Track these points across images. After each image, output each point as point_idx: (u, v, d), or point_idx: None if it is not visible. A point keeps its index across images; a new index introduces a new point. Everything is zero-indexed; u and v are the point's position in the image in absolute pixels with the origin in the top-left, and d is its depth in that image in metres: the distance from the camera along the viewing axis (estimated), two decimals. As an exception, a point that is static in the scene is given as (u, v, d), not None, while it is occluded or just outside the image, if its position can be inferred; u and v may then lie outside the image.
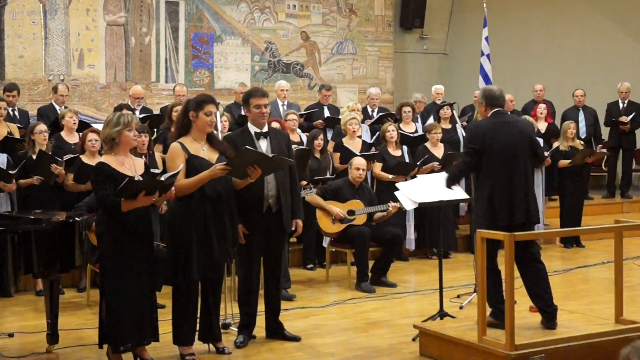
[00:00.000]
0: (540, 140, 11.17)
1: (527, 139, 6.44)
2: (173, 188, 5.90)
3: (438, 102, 12.68)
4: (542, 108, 12.37)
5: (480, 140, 6.29)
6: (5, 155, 8.76)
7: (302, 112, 11.63)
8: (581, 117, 13.68)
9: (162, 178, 5.70)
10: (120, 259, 5.71)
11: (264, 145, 6.43)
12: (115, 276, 5.72)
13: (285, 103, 12.01)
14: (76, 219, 6.11)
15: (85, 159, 8.42)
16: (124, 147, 5.85)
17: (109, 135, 5.81)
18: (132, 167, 5.85)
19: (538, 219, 6.55)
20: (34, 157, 8.51)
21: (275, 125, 9.01)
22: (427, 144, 10.57)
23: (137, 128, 8.35)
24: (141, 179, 5.73)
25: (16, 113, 10.69)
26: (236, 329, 6.60)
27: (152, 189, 5.67)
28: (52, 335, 6.30)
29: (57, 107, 10.74)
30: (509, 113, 6.75)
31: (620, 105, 13.82)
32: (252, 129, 6.49)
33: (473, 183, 6.77)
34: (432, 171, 9.69)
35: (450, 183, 6.88)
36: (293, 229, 6.66)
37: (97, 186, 5.73)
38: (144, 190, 5.61)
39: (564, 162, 11.06)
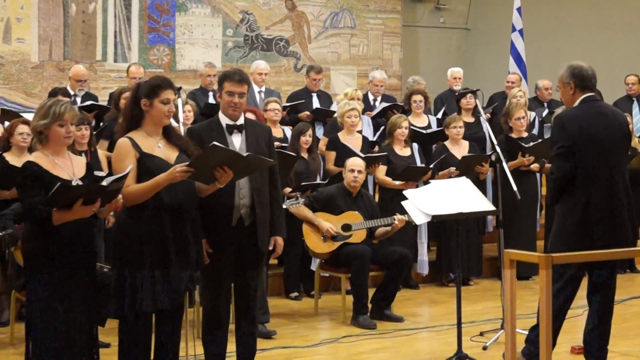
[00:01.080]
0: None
1: (625, 134, 6.41)
2: (120, 196, 5.87)
3: (456, 88, 12.66)
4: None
5: (573, 135, 6.20)
6: None
7: (286, 104, 11.58)
8: (636, 109, 13.71)
9: (105, 182, 5.64)
10: (52, 284, 5.65)
11: (237, 142, 6.41)
12: (45, 307, 5.65)
13: (263, 89, 12.01)
14: (-2, 233, 6.09)
15: (11, 157, 8.37)
16: (55, 144, 5.81)
17: (36, 127, 5.77)
18: (70, 168, 5.81)
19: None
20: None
21: (250, 116, 9.00)
22: (447, 142, 10.58)
23: (75, 120, 8.32)
24: (80, 183, 5.68)
25: None
26: (199, 374, 6.58)
27: (92, 197, 5.62)
28: (-34, 381, 6.27)
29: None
30: (599, 99, 6.62)
31: None
32: (224, 120, 6.47)
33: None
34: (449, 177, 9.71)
35: (551, 201, 6.65)
36: (271, 248, 6.62)
37: (24, 192, 5.67)
38: (81, 197, 5.56)
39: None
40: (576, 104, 6.39)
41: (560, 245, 6.11)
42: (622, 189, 6.30)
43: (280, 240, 6.66)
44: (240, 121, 6.49)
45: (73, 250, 5.69)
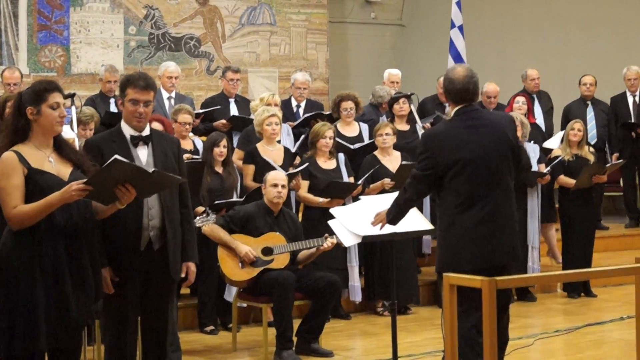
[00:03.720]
0: (536, 148, 11.28)
1: (505, 146, 6.48)
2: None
3: (393, 92, 12.74)
4: (520, 102, 12.29)
5: (437, 155, 6.33)
6: None
7: (198, 111, 11.55)
8: (590, 114, 13.91)
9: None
10: None
11: (143, 155, 6.40)
12: None
13: (174, 95, 11.99)
14: None
15: None
16: None
17: None
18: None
19: (520, 257, 6.64)
20: None
21: (156, 126, 8.99)
22: (377, 152, 10.62)
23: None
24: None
25: None
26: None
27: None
28: None
29: None
30: (479, 109, 6.70)
31: (629, 99, 14.07)
32: (127, 131, 6.45)
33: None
34: (382, 191, 9.76)
35: (392, 218, 6.79)
36: (183, 275, 6.62)
37: None
38: None
39: (565, 181, 11.20)
40: (452, 114, 6.53)
41: (442, 268, 6.22)
42: (500, 209, 6.42)
43: (193, 267, 6.66)
44: (146, 132, 6.48)
45: None
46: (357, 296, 10.50)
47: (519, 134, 7.95)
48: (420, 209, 8.68)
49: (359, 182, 10.19)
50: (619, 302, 10.86)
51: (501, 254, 6.39)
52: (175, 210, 6.49)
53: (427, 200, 10.86)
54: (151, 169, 5.99)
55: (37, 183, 5.86)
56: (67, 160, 6.06)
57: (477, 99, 6.62)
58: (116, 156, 5.84)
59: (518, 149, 6.60)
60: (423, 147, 6.47)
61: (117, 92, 9.89)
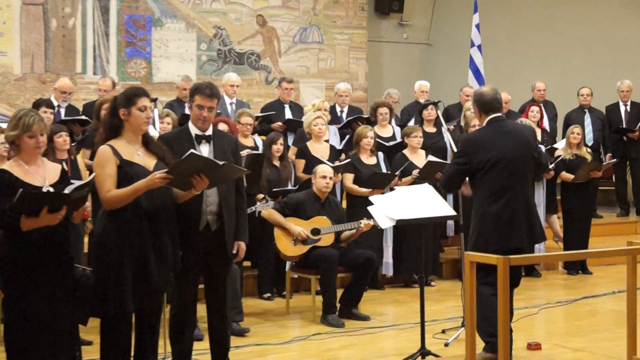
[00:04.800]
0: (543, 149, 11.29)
1: (529, 150, 6.57)
2: (88, 203, 5.86)
3: (422, 100, 12.73)
4: (534, 111, 12.29)
5: (473, 156, 6.47)
6: None
7: (258, 115, 11.60)
8: (587, 120, 13.85)
9: (67, 190, 5.59)
10: (27, 286, 5.60)
11: (205, 151, 6.39)
12: (21, 308, 5.62)
13: (234, 101, 12.03)
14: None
15: (-7, 165, 8.35)
16: (26, 154, 5.78)
17: (8, 138, 5.75)
18: (42, 175, 5.76)
19: (544, 237, 6.71)
20: None
21: (222, 127, 9.04)
22: (407, 151, 10.62)
23: (54, 128, 8.31)
24: (51, 189, 5.65)
25: None
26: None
27: (56, 204, 5.59)
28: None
29: (-38, 103, 10.67)
30: (506, 119, 6.86)
31: (622, 108, 14.01)
32: (193, 130, 6.47)
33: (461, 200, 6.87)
34: (413, 183, 9.75)
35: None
36: (235, 251, 6.63)
37: (-5, 199, 5.66)
38: (46, 205, 5.52)
39: (566, 176, 11.20)
40: (484, 124, 6.67)
41: (470, 249, 6.30)
42: (522, 201, 6.53)
43: (243, 245, 6.65)
44: (209, 132, 6.50)
45: (45, 254, 5.65)
46: (389, 270, 10.51)
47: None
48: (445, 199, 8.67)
49: (396, 173, 10.18)
50: (611, 278, 10.79)
51: (521, 238, 6.45)
52: (231, 197, 6.49)
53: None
54: (221, 162, 6.02)
55: (127, 172, 5.90)
56: (152, 154, 6.10)
57: (502, 111, 6.71)
58: (192, 150, 5.88)
59: (538, 153, 6.77)
60: (462, 147, 6.68)
61: (190, 98, 9.90)
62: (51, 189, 5.62)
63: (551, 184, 11.73)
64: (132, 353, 6.14)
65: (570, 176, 11.16)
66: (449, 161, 10.64)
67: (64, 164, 7.08)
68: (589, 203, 11.72)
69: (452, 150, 10.26)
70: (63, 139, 8.46)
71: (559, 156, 11.36)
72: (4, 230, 5.62)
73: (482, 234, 6.39)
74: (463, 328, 7.54)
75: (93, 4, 14.49)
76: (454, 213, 7.50)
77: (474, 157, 6.45)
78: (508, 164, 6.44)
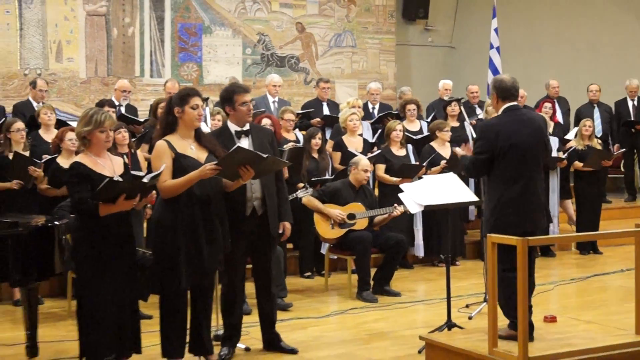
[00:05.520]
0: (556, 140, 11.22)
1: (542, 137, 6.41)
2: (154, 192, 5.90)
3: (446, 98, 12.67)
4: (547, 107, 12.20)
5: (493, 142, 6.18)
6: (-23, 154, 8.79)
7: (299, 112, 11.60)
8: (596, 114, 13.73)
9: (146, 179, 5.67)
10: (98, 266, 5.68)
11: (245, 144, 6.39)
12: (92, 285, 5.69)
13: (277, 99, 12.01)
14: (55, 222, 6.10)
15: (61, 159, 8.41)
16: (97, 147, 5.83)
17: (80, 133, 5.80)
18: (110, 166, 5.83)
19: (550, 219, 6.56)
20: (10, 156, 8.52)
21: (266, 121, 9.05)
22: (434, 143, 10.56)
23: (114, 126, 8.37)
24: (120, 179, 5.70)
25: (-10, 110, 10.71)
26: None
27: (133, 192, 5.65)
28: (32, 348, 6.30)
29: (35, 104, 10.72)
30: (522, 108, 6.62)
31: (630, 103, 13.88)
32: (232, 127, 6.49)
33: (483, 186, 6.74)
34: (442, 172, 9.69)
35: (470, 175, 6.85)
36: (280, 231, 6.65)
37: (72, 188, 5.70)
38: (124, 192, 5.59)
39: (578, 165, 11.14)
40: (500, 112, 6.37)
41: (488, 231, 6.09)
42: (538, 185, 6.31)
43: (288, 225, 6.69)
44: (247, 127, 6.51)
45: (113, 237, 5.73)
46: (420, 252, 10.46)
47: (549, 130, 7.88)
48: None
49: (423, 164, 10.13)
50: (620, 258, 10.67)
51: (539, 221, 6.28)
52: (272, 185, 6.52)
53: (471, 179, 10.80)
54: (266, 155, 6.02)
55: (181, 164, 5.93)
56: (203, 148, 6.13)
57: (518, 98, 6.50)
58: (239, 144, 5.91)
59: (548, 140, 6.54)
60: (480, 135, 6.35)
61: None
62: (120, 179, 5.66)
63: (565, 172, 11.64)
64: (188, 326, 6.18)
65: (582, 164, 11.10)
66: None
67: (125, 157, 7.11)
68: (599, 189, 11.64)
69: (474, 142, 10.22)
70: (122, 135, 8.51)
71: (572, 147, 11.30)
72: (81, 216, 5.68)
73: (502, 217, 6.15)
74: (485, 303, 7.52)
75: (150, 14, 14.53)
76: (476, 199, 7.45)
77: (493, 144, 6.21)
78: (524, 150, 6.17)
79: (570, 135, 11.81)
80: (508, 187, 6.16)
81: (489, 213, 6.28)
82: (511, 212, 6.13)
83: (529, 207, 6.19)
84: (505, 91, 6.32)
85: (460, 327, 6.86)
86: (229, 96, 6.46)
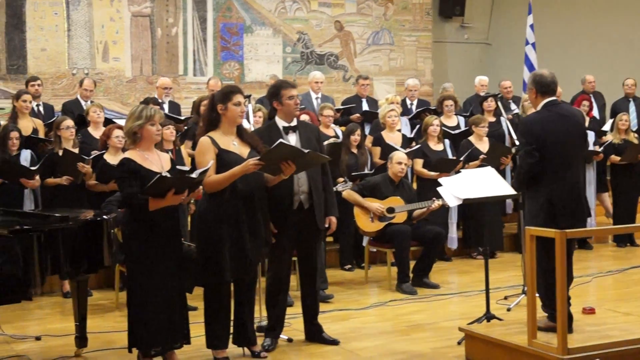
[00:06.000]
0: (592, 134, 11.13)
1: (583, 131, 6.33)
2: (201, 187, 5.91)
3: (482, 94, 12.59)
4: (585, 105, 12.09)
5: (537, 137, 6.07)
6: (29, 151, 8.87)
7: (340, 107, 11.59)
8: (632, 108, 13.51)
9: (194, 175, 5.69)
10: (147, 259, 5.72)
11: (292, 140, 6.40)
12: (142, 277, 5.73)
13: (320, 96, 11.99)
14: (104, 217, 6.13)
15: (108, 156, 8.47)
16: (147, 142, 5.85)
17: (131, 129, 5.82)
18: (158, 162, 5.86)
19: (589, 213, 6.44)
20: (60, 153, 8.58)
21: (304, 117, 9.04)
22: (472, 138, 10.50)
23: (161, 122, 8.40)
24: (168, 175, 5.72)
25: (41, 108, 10.78)
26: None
27: (182, 187, 5.68)
28: (81, 339, 6.36)
29: (83, 102, 10.80)
30: (561, 102, 6.51)
31: None
32: (280, 123, 6.48)
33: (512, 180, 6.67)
34: (480, 166, 9.62)
35: (517, 187, 6.73)
36: (327, 225, 6.63)
37: (122, 183, 5.74)
38: (173, 188, 5.62)
39: (615, 158, 11.06)
40: (539, 107, 6.26)
41: (531, 224, 5.99)
42: (580, 178, 6.24)
43: (334, 219, 6.66)
44: (294, 123, 6.50)
45: (161, 231, 5.75)
46: (454, 244, 10.42)
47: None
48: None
49: (461, 158, 10.07)
50: (657, 250, 10.60)
51: (584, 213, 6.19)
52: (318, 178, 6.48)
53: (508, 173, 10.72)
54: (306, 150, 6.01)
55: (224, 160, 5.94)
56: (246, 143, 6.13)
57: (557, 94, 6.39)
58: (281, 140, 5.89)
59: (586, 134, 6.44)
60: (526, 129, 6.24)
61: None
62: (168, 175, 5.68)
63: (601, 166, 11.53)
64: (232, 317, 6.18)
65: (619, 158, 10.98)
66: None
67: (170, 154, 7.14)
68: (636, 182, 11.44)
69: (511, 137, 10.16)
70: (170, 131, 8.54)
71: (609, 141, 11.19)
72: (131, 210, 5.70)
73: (550, 210, 6.03)
74: (524, 295, 7.45)
75: (192, 15, 14.57)
76: (513, 193, 7.37)
77: (539, 137, 6.07)
78: (567, 144, 6.07)
79: (606, 127, 11.67)
80: (555, 183, 6.06)
81: (534, 207, 6.16)
82: (558, 206, 6.04)
83: (575, 201, 6.10)
84: (545, 86, 6.22)
85: (499, 319, 6.79)
86: (276, 91, 6.47)
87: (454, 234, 10.41)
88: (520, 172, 6.28)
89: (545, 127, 6.09)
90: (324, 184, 6.55)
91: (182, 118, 10.45)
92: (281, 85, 6.52)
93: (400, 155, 9.07)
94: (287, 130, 6.44)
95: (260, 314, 6.82)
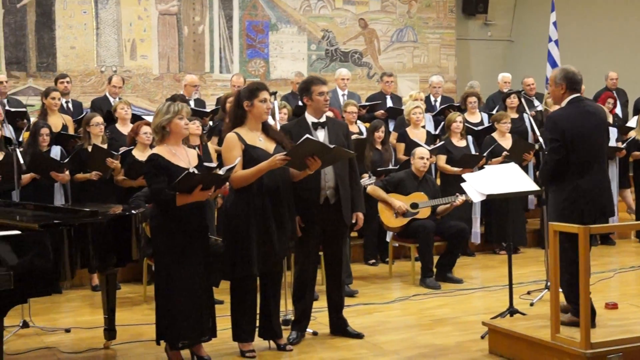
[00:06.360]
0: (614, 131, 11.05)
1: (606, 129, 6.29)
2: (227, 183, 5.92)
3: (505, 91, 12.53)
4: (610, 103, 12.03)
5: (564, 132, 6.03)
6: (59, 147, 8.93)
7: (364, 104, 11.59)
8: (655, 105, 13.46)
9: (221, 172, 5.70)
10: (174, 253, 5.73)
11: (321, 136, 6.40)
12: (169, 271, 5.75)
13: (346, 92, 11.98)
14: (132, 211, 6.16)
15: (136, 152, 8.51)
16: (175, 136, 5.86)
17: (159, 124, 5.83)
18: (186, 158, 5.87)
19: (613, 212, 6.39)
20: (89, 149, 8.63)
21: (328, 114, 9.02)
22: (495, 134, 10.47)
23: (189, 115, 8.44)
24: (196, 171, 5.73)
25: (70, 105, 10.86)
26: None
27: (209, 183, 5.69)
28: (110, 331, 6.40)
29: (111, 99, 10.86)
30: (585, 98, 6.45)
31: None
32: (310, 118, 6.48)
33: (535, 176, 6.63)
34: (503, 162, 9.59)
35: (542, 183, 6.67)
36: (354, 221, 6.62)
37: (151, 179, 5.76)
38: (201, 184, 5.63)
39: (637, 155, 10.98)
40: (564, 102, 6.21)
41: (555, 219, 5.96)
42: (605, 173, 6.20)
43: (361, 215, 6.65)
44: (323, 119, 6.50)
45: (188, 225, 5.76)
46: (477, 239, 10.40)
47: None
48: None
49: (484, 154, 10.04)
50: (679, 246, 10.52)
51: (611, 208, 6.15)
52: (345, 174, 6.47)
53: (531, 168, 10.67)
54: (332, 145, 6.01)
55: (251, 155, 5.95)
56: (271, 139, 6.13)
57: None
58: (307, 136, 5.88)
59: (608, 130, 6.40)
60: (553, 125, 6.15)
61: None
62: (195, 171, 5.69)
63: (624, 162, 11.44)
64: (258, 310, 6.19)
65: (641, 154, 10.96)
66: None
67: (197, 149, 7.14)
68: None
69: (533, 133, 10.11)
70: (197, 126, 8.56)
71: (632, 137, 11.11)
72: (159, 205, 5.73)
73: (575, 205, 5.99)
74: (547, 290, 7.41)
75: (219, 13, 14.62)
76: (537, 188, 7.33)
77: (566, 133, 6.01)
78: (592, 140, 6.04)
79: (631, 123, 11.59)
80: (580, 178, 6.02)
81: (559, 203, 6.12)
82: (583, 201, 6.00)
83: (599, 196, 6.06)
84: (575, 83, 6.20)
85: (522, 314, 6.76)
86: (307, 87, 6.48)
87: (477, 229, 10.40)
88: (545, 168, 6.24)
89: (571, 123, 6.06)
90: (351, 180, 6.55)
91: (208, 111, 10.48)
92: (312, 81, 6.52)
93: (422, 150, 9.05)
94: (315, 125, 6.45)
95: (286, 308, 6.83)
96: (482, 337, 6.40)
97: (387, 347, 6.37)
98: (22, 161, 7.55)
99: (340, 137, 6.47)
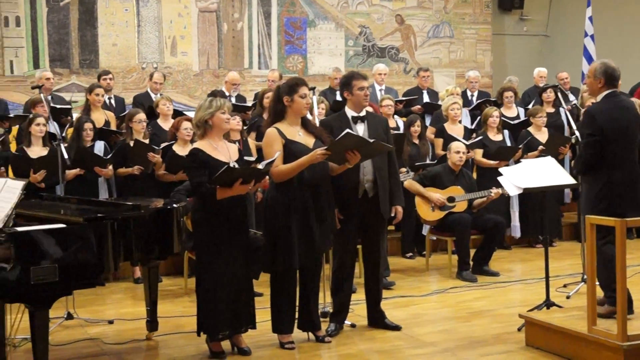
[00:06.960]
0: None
1: (639, 123, 6.22)
2: (267, 177, 5.93)
3: (541, 85, 12.43)
4: None
5: (600, 127, 5.99)
6: (102, 142, 9.00)
7: (401, 99, 11.56)
8: (691, 99, 13.26)
9: (260, 166, 5.72)
10: (215, 246, 5.76)
11: (360, 130, 6.40)
12: (210, 264, 5.78)
13: (383, 87, 11.95)
14: (174, 205, 6.19)
15: (177, 147, 8.55)
16: (217, 130, 5.89)
17: (202, 118, 5.86)
18: (226, 152, 5.90)
19: None
20: (131, 144, 8.69)
21: (368, 109, 9.00)
22: (531, 129, 10.39)
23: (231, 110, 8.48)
24: (236, 165, 5.75)
25: (112, 101, 10.95)
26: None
27: (249, 177, 5.70)
28: (152, 323, 6.44)
29: (153, 95, 10.94)
30: (620, 94, 6.39)
31: None
32: (350, 113, 6.48)
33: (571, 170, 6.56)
34: (539, 156, 9.51)
35: (575, 174, 6.63)
36: (392, 215, 6.60)
37: (192, 173, 5.80)
38: (241, 178, 5.64)
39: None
40: (600, 96, 6.17)
41: (589, 212, 5.90)
42: (637, 166, 6.12)
43: (400, 208, 6.63)
44: (363, 113, 6.49)
45: (229, 219, 5.78)
46: (517, 233, 10.33)
47: None
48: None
49: (519, 146, 9.98)
50: None
51: None
52: (384, 167, 6.46)
53: (567, 162, 10.57)
54: (372, 140, 6.01)
55: (291, 150, 5.95)
56: (310, 134, 6.13)
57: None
58: (348, 130, 5.89)
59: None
60: (590, 120, 6.12)
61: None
62: (236, 165, 5.71)
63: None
64: (297, 303, 6.20)
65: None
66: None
67: (238, 144, 7.17)
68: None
69: (570, 127, 10.01)
70: (237, 121, 8.59)
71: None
72: (200, 199, 5.75)
73: (609, 200, 5.96)
74: (583, 283, 7.35)
75: (257, 10, 14.64)
76: (574, 182, 7.26)
77: (603, 128, 5.97)
78: (627, 135, 6.00)
79: None
80: (614, 171, 5.98)
81: (593, 196, 6.07)
82: (618, 195, 5.95)
83: (633, 190, 6.01)
84: (614, 79, 6.17)
85: (559, 306, 6.70)
86: (348, 82, 6.48)
87: (516, 222, 10.34)
88: (580, 162, 6.21)
89: (608, 118, 6.03)
90: (390, 173, 6.54)
91: (248, 105, 10.51)
92: (353, 76, 6.52)
93: (458, 144, 9.01)
94: (355, 120, 6.45)
95: (325, 300, 6.83)
96: (519, 330, 6.36)
97: (424, 339, 6.35)
98: (66, 156, 7.62)
99: (380, 132, 6.47)
